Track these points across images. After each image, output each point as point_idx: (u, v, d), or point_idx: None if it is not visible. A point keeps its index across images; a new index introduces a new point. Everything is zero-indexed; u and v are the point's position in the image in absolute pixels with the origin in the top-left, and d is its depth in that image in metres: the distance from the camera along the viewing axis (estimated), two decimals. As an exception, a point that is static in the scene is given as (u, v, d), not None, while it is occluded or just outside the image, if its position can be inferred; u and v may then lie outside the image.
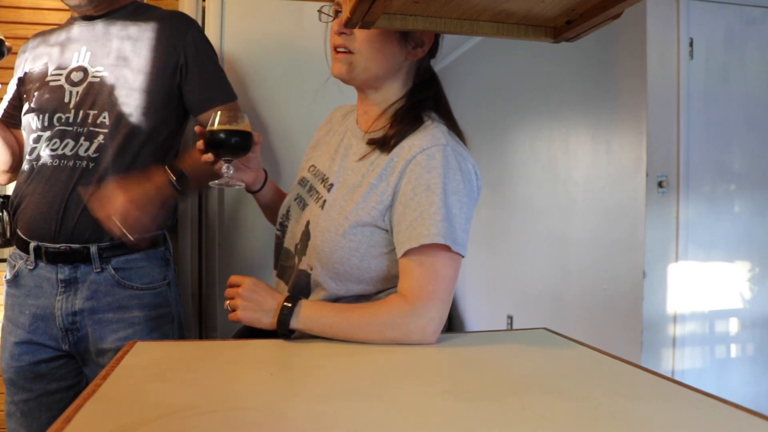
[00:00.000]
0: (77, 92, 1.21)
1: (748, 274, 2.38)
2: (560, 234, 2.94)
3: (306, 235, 1.00)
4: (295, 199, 1.08)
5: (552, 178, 3.05)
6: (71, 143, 1.18)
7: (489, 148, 3.92)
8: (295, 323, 0.89)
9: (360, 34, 0.97)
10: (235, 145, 0.98)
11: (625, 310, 2.37)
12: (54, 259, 1.19)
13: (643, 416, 0.63)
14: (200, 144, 1.01)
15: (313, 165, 1.10)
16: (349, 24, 0.84)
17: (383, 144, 0.96)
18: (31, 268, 1.21)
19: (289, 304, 0.89)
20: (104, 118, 1.20)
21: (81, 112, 1.20)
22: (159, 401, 0.65)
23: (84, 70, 1.23)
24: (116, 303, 1.21)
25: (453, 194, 0.89)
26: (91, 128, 1.19)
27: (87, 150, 1.19)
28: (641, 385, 0.74)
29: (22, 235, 1.22)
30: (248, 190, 1.14)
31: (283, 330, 0.89)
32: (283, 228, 1.08)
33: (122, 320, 1.21)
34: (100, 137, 1.19)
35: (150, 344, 0.93)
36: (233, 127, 0.98)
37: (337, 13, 1.01)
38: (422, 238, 0.86)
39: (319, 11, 1.03)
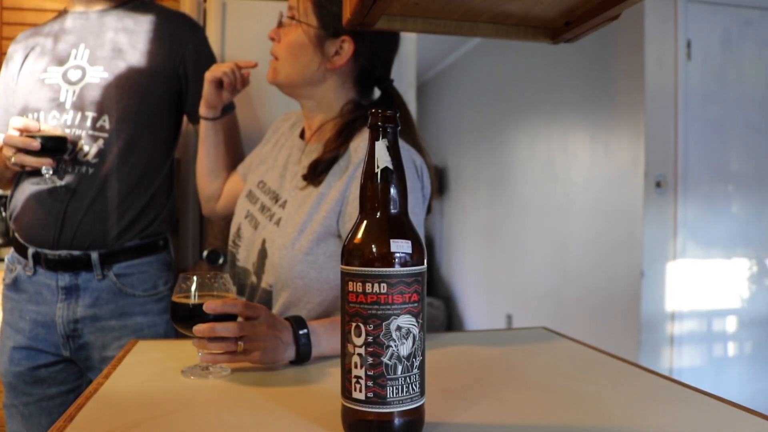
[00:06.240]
0: (74, 91, 1.18)
1: (746, 273, 2.39)
2: (559, 233, 2.95)
3: (263, 254, 0.99)
4: (246, 217, 1.06)
5: (551, 178, 3.05)
6: (69, 147, 1.15)
7: (488, 148, 3.93)
8: (316, 351, 0.81)
9: (283, 40, 1.00)
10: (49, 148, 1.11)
11: (623, 309, 2.38)
12: (54, 266, 1.16)
13: (641, 415, 0.63)
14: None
15: (262, 181, 1.08)
16: (349, 25, 0.84)
17: (312, 177, 0.96)
18: (30, 274, 1.18)
19: (303, 332, 0.80)
20: (104, 121, 1.17)
21: (79, 114, 1.17)
22: (159, 401, 0.65)
23: (82, 68, 1.20)
24: (118, 310, 1.19)
25: (411, 193, 0.85)
26: (91, 132, 1.17)
27: (86, 155, 1.16)
28: (639, 383, 0.74)
29: (21, 240, 1.19)
30: (205, 116, 1.15)
31: (304, 360, 0.81)
32: (236, 246, 1.07)
33: (125, 327, 1.19)
34: (100, 141, 1.16)
35: (151, 344, 0.93)
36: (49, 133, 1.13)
37: (279, 23, 1.03)
38: None
39: (279, 18, 1.03)
